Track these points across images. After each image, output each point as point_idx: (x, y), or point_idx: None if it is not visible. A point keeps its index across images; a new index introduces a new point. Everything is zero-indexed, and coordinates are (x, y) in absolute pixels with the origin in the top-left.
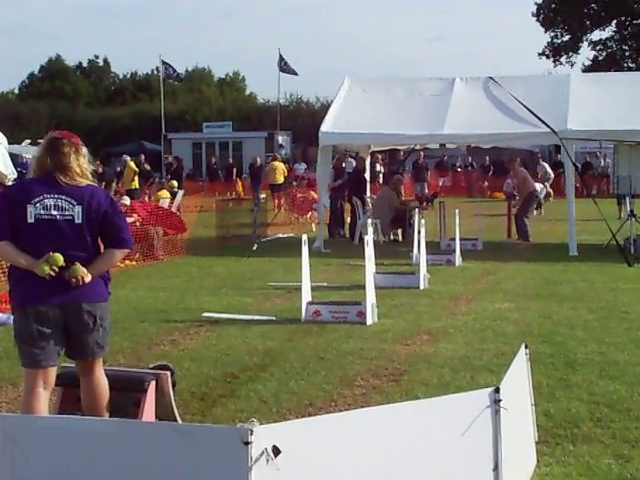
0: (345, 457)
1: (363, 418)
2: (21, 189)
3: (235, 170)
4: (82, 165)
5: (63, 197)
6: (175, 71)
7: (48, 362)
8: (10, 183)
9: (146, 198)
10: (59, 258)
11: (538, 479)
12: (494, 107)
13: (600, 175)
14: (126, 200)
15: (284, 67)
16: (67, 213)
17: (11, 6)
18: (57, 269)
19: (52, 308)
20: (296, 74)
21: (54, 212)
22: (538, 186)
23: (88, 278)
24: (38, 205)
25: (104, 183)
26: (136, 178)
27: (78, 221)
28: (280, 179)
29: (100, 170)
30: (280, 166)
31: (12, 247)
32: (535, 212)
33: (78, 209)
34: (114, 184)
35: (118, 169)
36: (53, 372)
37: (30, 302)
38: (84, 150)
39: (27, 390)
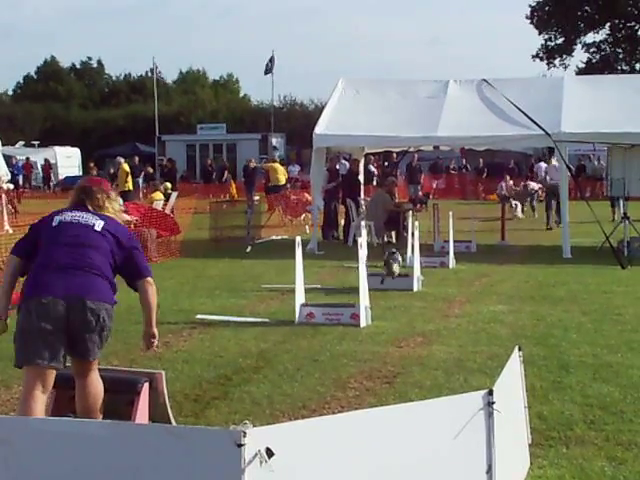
0: (338, 459)
1: (356, 420)
2: (54, 212)
3: (226, 172)
4: (115, 208)
5: (90, 214)
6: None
7: (46, 361)
8: (4, 185)
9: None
10: None
11: None
12: (488, 109)
13: (592, 177)
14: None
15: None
16: (89, 222)
17: (5, 7)
18: None
19: (54, 303)
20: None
21: (77, 218)
22: (536, 186)
23: (156, 333)
24: (64, 215)
25: None
26: (129, 179)
27: (98, 229)
28: (282, 180)
29: (95, 173)
30: (280, 168)
31: (15, 268)
32: (520, 215)
33: (100, 222)
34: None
35: (112, 171)
36: (52, 375)
37: (34, 293)
38: (113, 194)
39: (24, 392)
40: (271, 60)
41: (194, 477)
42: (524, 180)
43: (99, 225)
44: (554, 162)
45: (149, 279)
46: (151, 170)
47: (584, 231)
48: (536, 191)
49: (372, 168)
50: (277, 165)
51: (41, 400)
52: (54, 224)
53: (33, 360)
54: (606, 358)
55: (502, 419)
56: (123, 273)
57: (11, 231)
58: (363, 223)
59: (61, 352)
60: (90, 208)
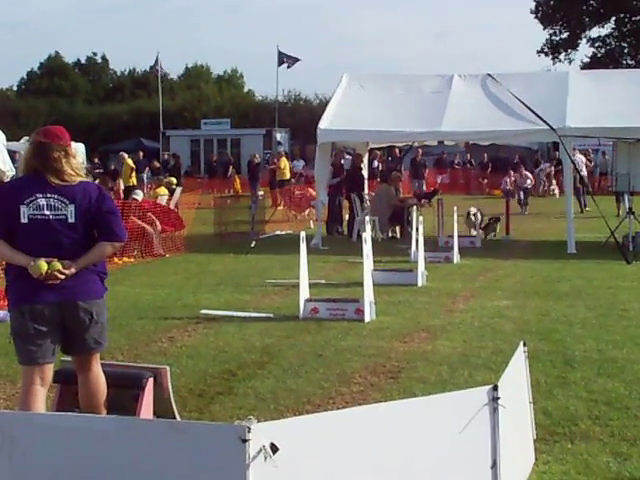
0: (343, 455)
1: (361, 416)
2: (13, 189)
3: (231, 167)
4: (73, 165)
5: (55, 197)
6: (164, 73)
7: (45, 359)
8: (8, 180)
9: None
10: (43, 265)
11: (536, 477)
12: (492, 104)
13: (592, 172)
14: (138, 195)
15: (283, 60)
16: (60, 213)
17: (9, 3)
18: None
19: (48, 306)
20: (296, 60)
21: (47, 212)
22: (529, 181)
23: (72, 271)
24: (31, 205)
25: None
26: (133, 175)
27: (71, 220)
28: (287, 175)
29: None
30: (286, 163)
31: (7, 246)
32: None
33: (71, 208)
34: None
35: (113, 167)
36: (50, 369)
37: (26, 301)
38: (73, 150)
39: (25, 387)
40: (280, 55)
41: (198, 472)
42: (518, 175)
43: (71, 214)
44: (578, 155)
45: (116, 244)
46: (157, 165)
47: (589, 226)
48: (527, 187)
49: (376, 163)
50: (284, 160)
51: (41, 394)
52: (24, 220)
53: (32, 361)
54: (611, 353)
55: (507, 414)
56: (96, 232)
57: None
58: (367, 218)
59: (56, 348)
60: (49, 179)
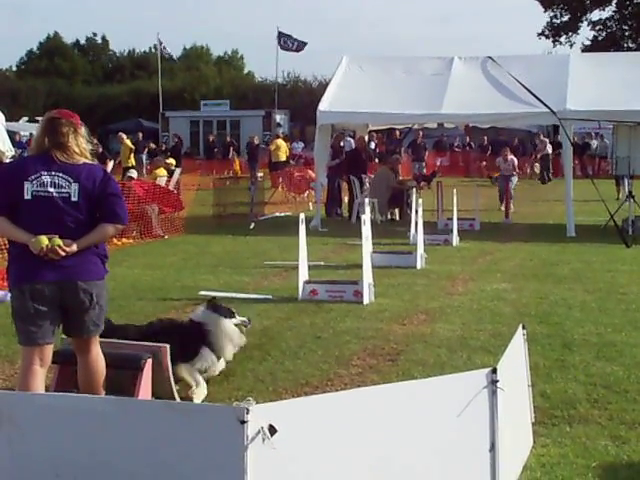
0: (341, 436)
1: (359, 398)
2: (18, 166)
3: (232, 148)
4: (81, 144)
5: (60, 174)
6: (168, 53)
7: (44, 340)
8: (8, 160)
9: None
10: (44, 240)
11: (534, 460)
12: (493, 87)
13: (592, 156)
14: (133, 174)
15: (285, 45)
16: (64, 191)
17: None
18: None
19: (48, 286)
20: (301, 46)
21: (50, 189)
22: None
23: (73, 249)
24: (35, 182)
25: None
26: (132, 156)
27: (74, 199)
28: (283, 157)
29: (100, 150)
30: (283, 144)
31: (9, 222)
32: None
33: (75, 187)
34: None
35: (101, 150)
36: (49, 349)
37: (26, 280)
38: (82, 129)
39: (24, 367)
40: (280, 35)
41: (197, 453)
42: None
43: (75, 192)
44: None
45: (118, 226)
46: (154, 146)
47: (588, 209)
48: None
49: (373, 145)
50: (280, 142)
51: (40, 374)
52: (27, 197)
53: (32, 341)
54: (610, 337)
55: (505, 397)
56: (98, 213)
57: None
58: (367, 200)
59: (55, 328)
60: (56, 157)
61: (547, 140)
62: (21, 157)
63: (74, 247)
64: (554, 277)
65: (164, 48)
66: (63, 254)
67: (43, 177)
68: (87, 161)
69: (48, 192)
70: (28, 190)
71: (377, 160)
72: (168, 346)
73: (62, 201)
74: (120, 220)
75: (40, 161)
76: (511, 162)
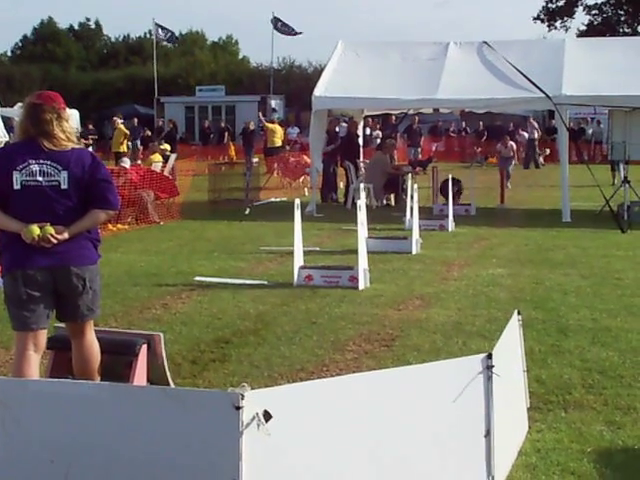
0: (336, 422)
1: (355, 383)
2: (6, 155)
3: (227, 134)
4: (66, 130)
5: (48, 163)
6: (170, 32)
7: (38, 325)
8: (2, 145)
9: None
10: (35, 229)
11: (530, 445)
12: (488, 72)
13: (587, 141)
14: (126, 163)
15: (281, 28)
16: (53, 179)
17: None
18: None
19: (40, 271)
20: (296, 33)
21: (40, 178)
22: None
23: (64, 236)
24: (24, 171)
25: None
26: (125, 142)
27: (64, 187)
28: (278, 142)
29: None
30: (278, 129)
31: (0, 212)
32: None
33: (64, 174)
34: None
35: (90, 139)
36: (43, 335)
37: (18, 265)
38: (66, 113)
39: (18, 353)
40: (276, 20)
41: (191, 439)
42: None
43: (64, 180)
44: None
45: (109, 211)
46: (149, 133)
47: (584, 195)
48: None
49: (369, 130)
50: (275, 126)
51: (34, 360)
52: (17, 187)
53: (25, 326)
54: (605, 322)
55: (501, 383)
56: (88, 199)
57: None
58: (362, 186)
59: (50, 313)
60: (43, 145)
61: (535, 124)
62: (6, 144)
63: (65, 234)
64: (550, 262)
65: (163, 29)
66: (55, 242)
67: (31, 166)
68: (75, 146)
69: (37, 181)
70: (17, 180)
71: (372, 145)
72: (162, 334)
73: (52, 189)
74: (111, 206)
75: (27, 149)
76: (510, 147)
